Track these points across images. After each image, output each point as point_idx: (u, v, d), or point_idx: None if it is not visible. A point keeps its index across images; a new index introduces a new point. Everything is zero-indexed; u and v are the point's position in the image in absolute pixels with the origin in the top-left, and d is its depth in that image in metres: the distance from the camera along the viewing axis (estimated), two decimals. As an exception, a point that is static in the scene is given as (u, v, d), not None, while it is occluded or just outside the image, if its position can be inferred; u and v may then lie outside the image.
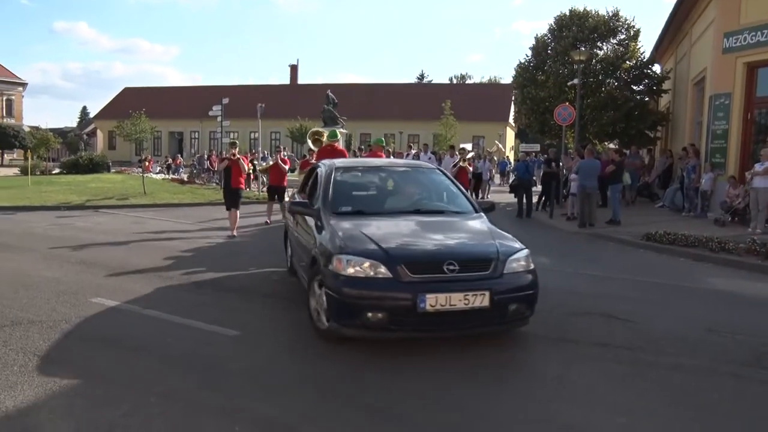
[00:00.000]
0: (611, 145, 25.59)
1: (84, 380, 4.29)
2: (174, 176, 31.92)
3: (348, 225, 5.49)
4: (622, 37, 25.51)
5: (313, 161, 13.25)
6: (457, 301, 4.69)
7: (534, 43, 27.10)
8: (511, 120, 51.04)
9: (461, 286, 4.74)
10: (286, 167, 14.19)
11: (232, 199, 12.04)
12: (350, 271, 4.79)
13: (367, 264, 4.78)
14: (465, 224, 5.90)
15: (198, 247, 10.32)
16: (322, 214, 5.85)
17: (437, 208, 6.41)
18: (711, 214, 14.15)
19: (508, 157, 37.24)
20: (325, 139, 13.45)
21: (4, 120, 61.32)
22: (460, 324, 4.87)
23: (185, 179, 28.68)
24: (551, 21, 26.55)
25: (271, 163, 14.64)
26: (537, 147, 31.10)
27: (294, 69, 61.83)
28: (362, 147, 26.63)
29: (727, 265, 9.44)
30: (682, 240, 10.61)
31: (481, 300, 4.73)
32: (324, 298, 5.01)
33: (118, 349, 4.98)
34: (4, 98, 64.17)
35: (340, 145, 15.16)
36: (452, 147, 19.57)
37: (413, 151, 22.38)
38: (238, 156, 12.05)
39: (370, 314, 4.69)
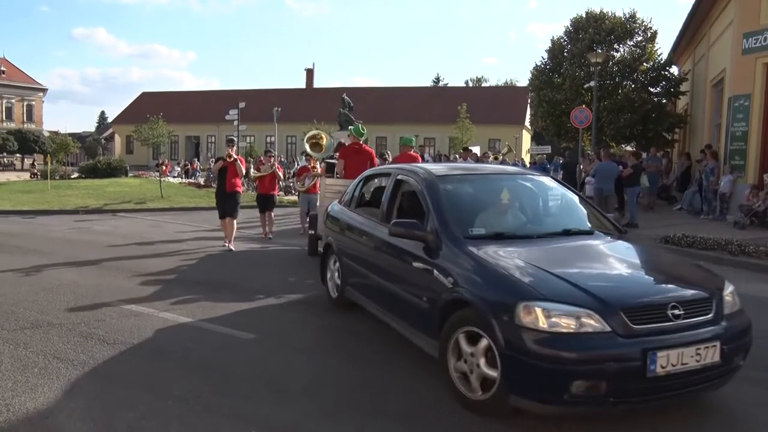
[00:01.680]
0: (628, 148, 25.41)
1: (103, 383, 4.33)
2: (191, 180, 32.16)
3: (507, 256, 4.15)
4: (639, 38, 25.39)
5: (313, 165, 12.52)
6: (688, 357, 3.55)
7: (550, 45, 27.07)
8: (527, 123, 50.85)
9: (691, 337, 3.60)
10: (281, 174, 13.07)
11: (227, 204, 10.41)
12: (550, 324, 3.51)
13: (575, 314, 3.52)
14: (634, 249, 4.75)
15: (215, 251, 10.38)
16: (445, 239, 4.42)
17: (584, 227, 5.06)
18: (730, 217, 13.97)
19: (522, 159, 37.04)
20: (324, 143, 12.46)
21: (25, 125, 62.44)
22: (685, 388, 3.67)
23: (202, 183, 28.88)
24: (567, 23, 26.52)
25: (269, 170, 12.40)
26: (548, 149, 30.77)
27: (310, 73, 62.02)
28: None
29: (747, 268, 9.31)
30: (701, 243, 10.48)
31: (712, 354, 3.61)
32: (500, 361, 3.65)
33: (135, 352, 5.01)
34: (25, 104, 65.34)
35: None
36: (466, 149, 19.11)
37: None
38: (235, 156, 10.49)
39: (578, 384, 3.43)
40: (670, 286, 3.95)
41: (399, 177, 5.60)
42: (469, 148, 19.85)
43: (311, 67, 62.67)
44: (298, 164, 19.56)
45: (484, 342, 3.78)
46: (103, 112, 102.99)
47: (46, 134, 52.96)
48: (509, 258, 4.13)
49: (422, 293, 4.45)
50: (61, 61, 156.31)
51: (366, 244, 5.63)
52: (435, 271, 4.33)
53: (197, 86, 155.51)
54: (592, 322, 3.51)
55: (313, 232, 9.67)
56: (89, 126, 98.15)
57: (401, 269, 4.90)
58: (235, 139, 11.45)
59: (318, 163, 12.71)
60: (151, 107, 51.12)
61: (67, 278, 7.86)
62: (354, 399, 4.13)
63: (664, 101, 25.32)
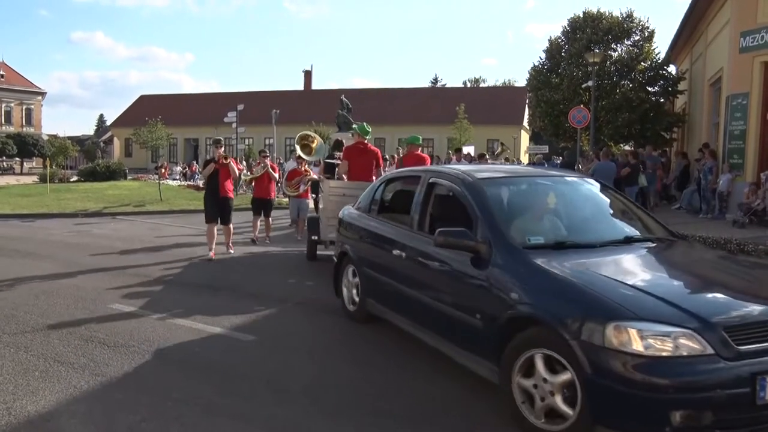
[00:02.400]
0: (627, 147, 25.46)
1: (103, 385, 4.34)
2: (190, 183, 32.17)
3: (578, 268, 3.75)
4: (637, 38, 25.43)
5: (305, 169, 11.97)
6: None
7: (548, 45, 27.11)
8: (525, 123, 50.90)
9: None
10: (276, 176, 12.31)
11: (223, 210, 9.74)
12: (646, 347, 3.09)
13: (673, 335, 3.11)
14: (712, 256, 4.48)
15: (215, 253, 10.38)
16: (500, 249, 4.00)
17: (645, 234, 4.69)
18: (729, 216, 13.98)
19: (519, 159, 37.10)
20: (315, 145, 11.78)
21: (24, 129, 62.43)
22: None
23: (201, 185, 28.87)
24: (564, 23, 26.54)
25: (261, 171, 11.90)
26: (546, 148, 30.86)
27: (308, 75, 62.12)
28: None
29: (746, 267, 9.33)
30: (700, 242, 10.49)
31: None
32: (584, 388, 3.23)
33: (135, 354, 5.02)
34: (24, 107, 65.35)
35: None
36: (458, 150, 18.55)
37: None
38: (226, 156, 9.80)
39: (680, 414, 3.03)
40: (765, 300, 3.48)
41: (432, 180, 5.13)
42: (462, 148, 19.68)
43: (309, 68, 62.88)
44: (285, 167, 18.49)
45: (559, 367, 3.38)
46: (101, 116, 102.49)
47: (45, 138, 52.86)
48: (581, 270, 3.73)
49: (474, 310, 4.00)
50: (60, 65, 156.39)
51: (394, 254, 5.16)
52: (490, 285, 3.91)
53: (196, 88, 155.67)
54: (693, 344, 3.09)
55: (316, 237, 9.28)
56: (88, 129, 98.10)
57: (444, 282, 4.46)
58: (222, 139, 10.40)
59: (308, 165, 12.33)
60: (149, 110, 51.18)
61: (66, 281, 7.87)
62: (354, 399, 4.14)
63: (662, 100, 25.35)
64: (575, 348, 3.24)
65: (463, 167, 5.84)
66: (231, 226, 10.02)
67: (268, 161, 12.15)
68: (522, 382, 3.59)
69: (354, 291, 6.01)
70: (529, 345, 3.56)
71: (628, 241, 4.46)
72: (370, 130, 9.45)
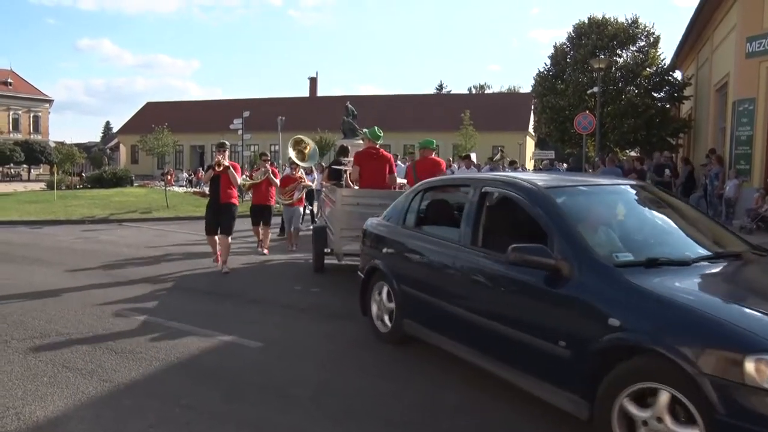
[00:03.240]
0: (632, 153, 25.43)
1: (111, 391, 4.35)
2: (196, 189, 32.24)
3: (685, 289, 3.29)
4: (642, 44, 25.45)
5: (299, 175, 11.35)
6: None
7: (553, 51, 27.18)
8: (530, 129, 50.86)
9: None
10: (277, 181, 11.31)
11: (222, 218, 8.97)
12: None
13: None
14: None
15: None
16: (586, 267, 3.54)
17: (731, 248, 4.19)
18: (736, 222, 13.93)
19: (524, 166, 37.05)
20: (308, 151, 11.28)
21: (31, 136, 62.87)
22: None
23: (206, 192, 28.92)
24: (570, 29, 26.61)
25: (261, 177, 11.09)
26: (552, 154, 30.68)
27: (313, 81, 62.26)
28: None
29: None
30: None
31: None
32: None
33: (143, 360, 5.04)
34: (32, 115, 65.86)
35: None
36: (466, 157, 17.10)
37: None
38: (226, 163, 8.97)
39: None
40: None
41: (485, 189, 4.65)
42: (470, 155, 19.44)
43: (315, 75, 63.01)
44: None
45: (679, 406, 2.96)
46: (108, 123, 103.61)
47: (52, 145, 53.25)
48: (691, 292, 3.29)
49: (556, 335, 3.53)
50: (67, 73, 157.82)
51: (444, 271, 4.68)
52: (577, 309, 3.46)
53: (201, 95, 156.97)
54: None
55: (329, 250, 8.87)
56: (95, 136, 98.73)
57: (512, 304, 3.98)
58: (227, 143, 9.30)
59: (302, 171, 11.80)
60: (155, 117, 51.29)
61: (74, 287, 7.90)
62: (362, 407, 4.14)
63: (668, 106, 25.33)
64: (702, 384, 2.78)
65: (519, 175, 5.25)
66: (230, 240, 9.12)
67: (269, 165, 11.22)
68: (625, 418, 3.16)
69: (387, 310, 5.48)
70: (635, 377, 3.10)
71: (719, 257, 3.97)
72: (381, 134, 8.83)
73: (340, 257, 8.40)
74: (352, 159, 9.48)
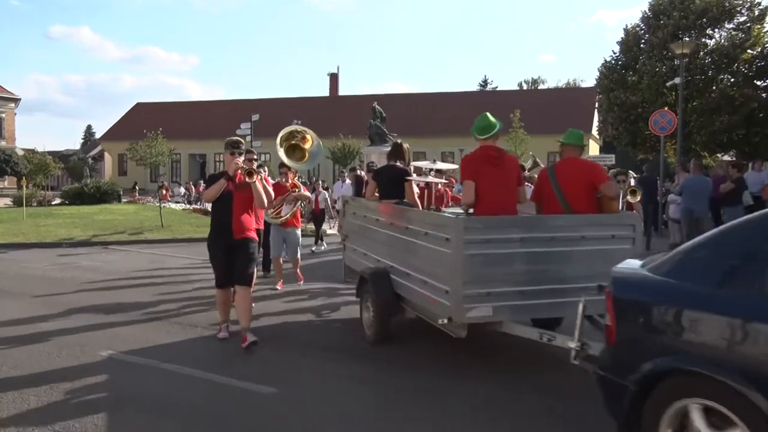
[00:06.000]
0: (726, 158, 24.80)
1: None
2: (196, 206, 32.48)
3: None
4: (743, 19, 24.84)
5: (293, 183, 9.95)
6: None
7: (623, 36, 26.84)
8: (594, 131, 50.40)
9: None
10: (307, 193, 10.41)
11: (238, 262, 6.80)
12: None
13: None
14: None
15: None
16: None
17: None
18: None
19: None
20: (309, 146, 9.43)
21: (-7, 142, 63.64)
22: None
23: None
24: (644, 7, 26.24)
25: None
26: (611, 158, 29.13)
27: (334, 78, 62.85)
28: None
29: None
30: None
31: None
32: None
33: (135, 411, 4.98)
34: (-7, 116, 66.51)
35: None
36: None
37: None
38: (251, 171, 6.60)
39: None
40: None
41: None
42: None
43: (336, 71, 63.56)
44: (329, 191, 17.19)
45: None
46: (89, 127, 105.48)
47: (20, 153, 53.76)
48: None
49: None
50: (37, 66, 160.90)
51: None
52: None
53: (201, 95, 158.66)
54: None
55: (416, 314, 6.58)
56: (73, 143, 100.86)
57: None
58: (244, 143, 7.33)
59: (296, 177, 10.35)
60: (147, 121, 52.32)
61: (48, 324, 7.83)
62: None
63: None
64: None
65: None
66: (251, 291, 7.12)
67: (291, 175, 10.04)
68: None
69: None
70: None
71: None
72: (495, 122, 6.30)
73: (463, 330, 5.64)
74: (414, 165, 7.98)
